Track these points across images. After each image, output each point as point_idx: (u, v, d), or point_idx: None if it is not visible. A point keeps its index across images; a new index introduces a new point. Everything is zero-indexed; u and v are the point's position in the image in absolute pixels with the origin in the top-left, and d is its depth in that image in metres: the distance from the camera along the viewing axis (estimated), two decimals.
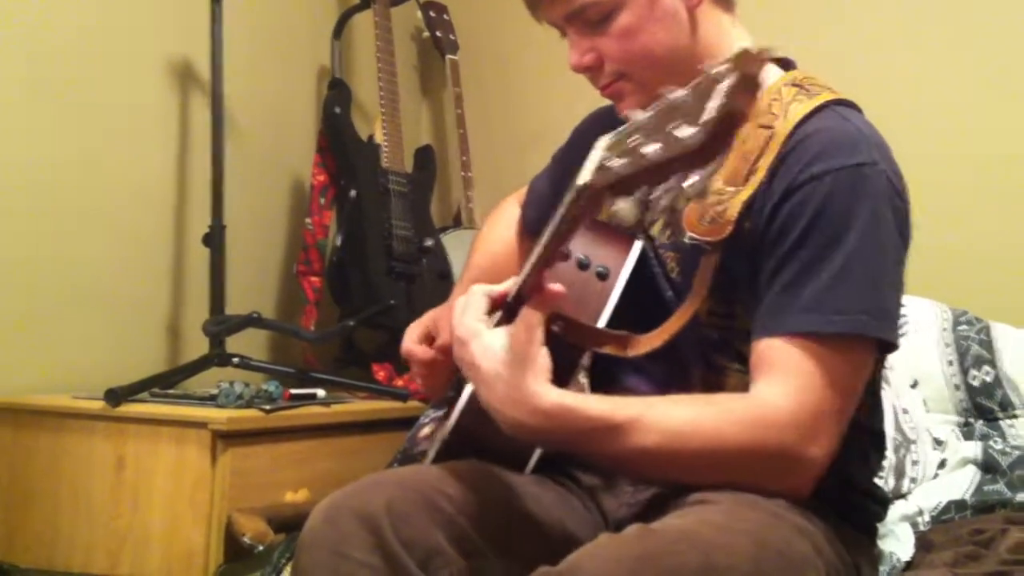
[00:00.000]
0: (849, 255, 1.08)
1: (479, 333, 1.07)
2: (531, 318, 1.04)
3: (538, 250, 1.03)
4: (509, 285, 1.12)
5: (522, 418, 1.03)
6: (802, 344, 1.07)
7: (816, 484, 1.10)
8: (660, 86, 1.22)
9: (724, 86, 0.72)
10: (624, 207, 0.82)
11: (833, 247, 1.09)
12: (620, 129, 0.85)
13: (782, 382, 1.07)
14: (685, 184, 0.75)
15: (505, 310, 1.10)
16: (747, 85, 0.70)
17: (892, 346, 1.12)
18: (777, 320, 1.09)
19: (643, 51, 1.20)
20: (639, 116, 0.82)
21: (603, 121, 1.40)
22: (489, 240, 1.56)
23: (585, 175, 0.87)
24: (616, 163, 0.80)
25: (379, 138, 2.39)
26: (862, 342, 1.09)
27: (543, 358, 1.05)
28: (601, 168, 0.85)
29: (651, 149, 0.76)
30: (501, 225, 1.57)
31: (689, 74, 1.21)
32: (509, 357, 1.03)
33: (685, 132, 0.72)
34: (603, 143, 0.87)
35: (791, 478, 1.08)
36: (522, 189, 1.58)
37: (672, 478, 1.09)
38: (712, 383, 1.18)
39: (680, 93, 0.77)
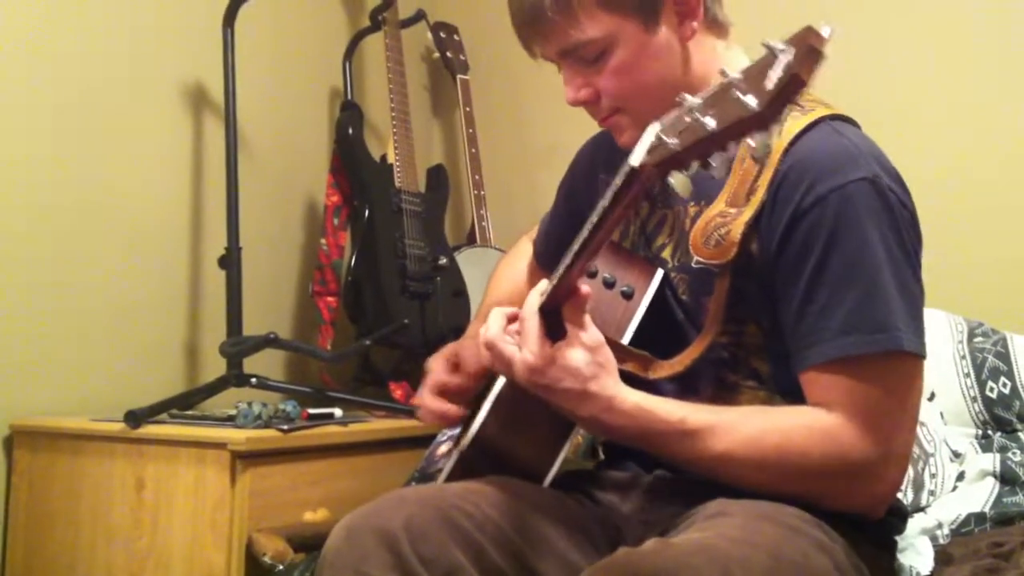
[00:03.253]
0: (871, 273, 1.10)
1: (553, 359, 1.09)
2: (591, 331, 1.10)
3: (578, 243, 1.04)
4: (544, 289, 1.12)
5: (606, 419, 1.11)
6: (845, 368, 1.09)
7: (891, 501, 1.13)
8: (656, 118, 1.24)
9: (787, 56, 0.75)
10: (678, 180, 0.84)
11: (854, 267, 1.10)
12: (671, 114, 0.88)
13: (838, 407, 1.09)
14: (751, 141, 0.78)
15: (542, 312, 1.11)
16: (810, 55, 0.73)
17: (922, 356, 1.13)
18: (816, 349, 1.11)
19: (638, 87, 1.21)
20: (690, 100, 0.85)
21: (605, 145, 1.41)
22: (504, 277, 1.58)
23: (637, 157, 0.89)
24: (671, 141, 0.82)
25: (392, 158, 2.40)
26: (899, 356, 1.10)
27: (613, 362, 1.11)
28: (653, 149, 0.87)
29: (710, 121, 0.79)
30: (516, 262, 1.59)
31: None
32: (590, 371, 1.09)
33: (748, 99, 0.76)
34: (655, 127, 0.89)
35: (864, 491, 1.11)
36: (535, 228, 1.60)
37: (741, 485, 1.11)
38: (725, 401, 1.19)
39: (734, 75, 0.80)
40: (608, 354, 1.11)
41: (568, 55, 1.22)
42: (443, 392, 1.36)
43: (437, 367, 1.39)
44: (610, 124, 1.27)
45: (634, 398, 1.11)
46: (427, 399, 1.35)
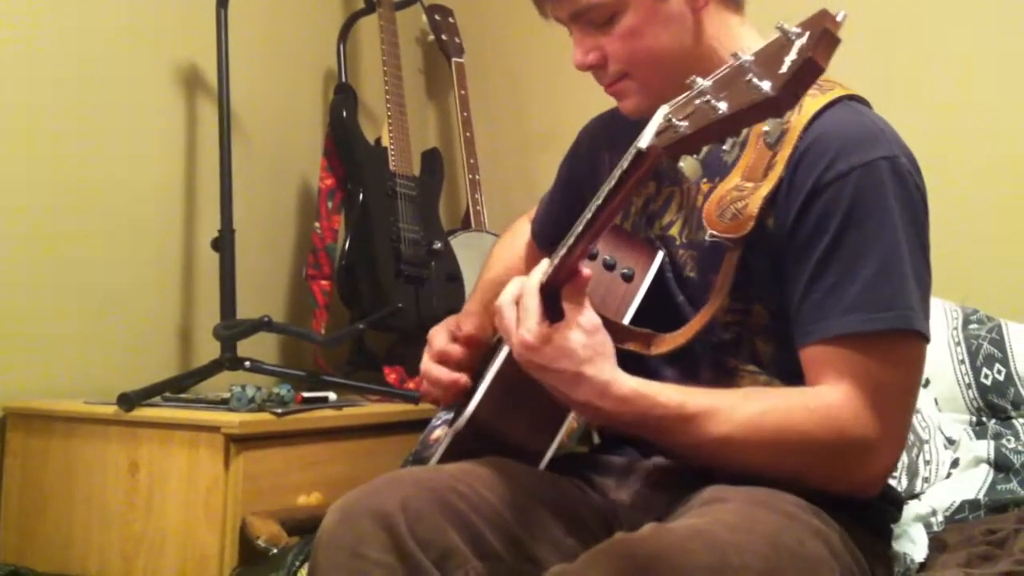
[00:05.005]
0: (886, 252, 1.10)
1: (549, 338, 1.07)
2: (589, 315, 1.08)
3: (582, 224, 1.03)
4: (546, 269, 1.11)
5: (601, 404, 1.08)
6: (852, 344, 1.09)
7: (886, 481, 1.13)
8: (663, 87, 1.24)
9: (804, 41, 0.74)
10: (688, 164, 0.83)
11: (869, 245, 1.10)
12: (680, 96, 0.87)
13: (840, 384, 1.09)
14: (765, 127, 0.78)
15: (542, 292, 1.10)
16: (825, 38, 0.73)
17: (927, 339, 1.13)
18: (824, 324, 1.10)
19: (646, 53, 1.22)
20: (701, 82, 0.84)
21: (606, 125, 1.41)
22: (501, 256, 1.57)
23: (645, 140, 0.88)
24: (681, 124, 0.81)
25: (386, 141, 2.39)
26: (909, 336, 1.10)
27: (611, 346, 1.09)
28: (662, 132, 0.87)
29: (722, 104, 0.78)
30: (514, 241, 1.58)
31: (692, 75, 1.22)
32: (586, 354, 1.07)
33: (762, 84, 0.75)
34: (664, 110, 0.89)
35: (862, 470, 1.10)
36: (534, 209, 1.59)
37: (741, 468, 1.10)
38: (724, 387, 1.18)
39: (746, 58, 0.80)
40: (606, 338, 1.09)
41: (579, 17, 1.23)
42: (445, 360, 1.35)
43: (439, 337, 1.38)
44: (615, 90, 1.27)
45: (631, 383, 1.09)
46: (431, 368, 1.35)
